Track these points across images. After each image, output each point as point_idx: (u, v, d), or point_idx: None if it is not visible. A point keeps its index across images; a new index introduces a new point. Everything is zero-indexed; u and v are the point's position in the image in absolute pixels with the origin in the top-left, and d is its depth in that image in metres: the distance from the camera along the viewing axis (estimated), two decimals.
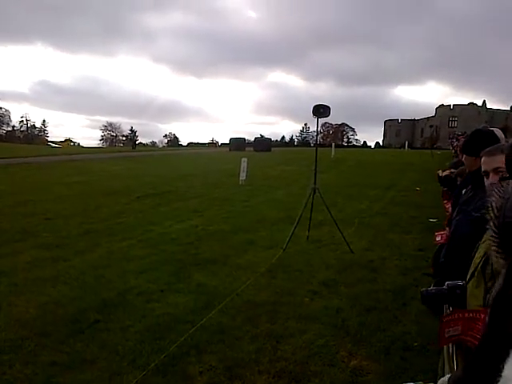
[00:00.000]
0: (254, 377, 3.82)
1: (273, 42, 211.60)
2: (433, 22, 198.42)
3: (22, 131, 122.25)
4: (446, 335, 2.06)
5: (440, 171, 7.43)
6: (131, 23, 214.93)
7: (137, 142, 72.96)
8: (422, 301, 2.52)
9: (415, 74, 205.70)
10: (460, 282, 2.36)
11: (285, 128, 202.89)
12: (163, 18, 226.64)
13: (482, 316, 1.82)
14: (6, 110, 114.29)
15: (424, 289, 2.46)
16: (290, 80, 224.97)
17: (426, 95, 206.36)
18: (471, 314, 2.01)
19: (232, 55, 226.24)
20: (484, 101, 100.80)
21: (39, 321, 4.86)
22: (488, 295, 2.16)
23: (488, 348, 1.08)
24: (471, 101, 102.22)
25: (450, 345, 2.28)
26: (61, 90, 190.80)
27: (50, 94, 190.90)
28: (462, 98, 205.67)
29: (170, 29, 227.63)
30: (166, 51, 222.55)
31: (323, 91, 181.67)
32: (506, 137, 3.61)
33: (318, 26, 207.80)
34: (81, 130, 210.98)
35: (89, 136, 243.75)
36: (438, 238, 4.53)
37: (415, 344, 4.42)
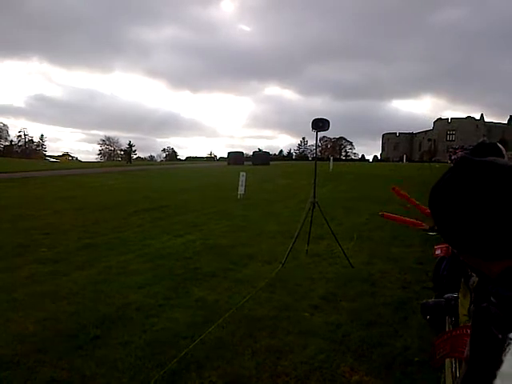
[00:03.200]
0: None
1: (268, 57, 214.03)
2: (428, 36, 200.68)
3: (20, 146, 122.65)
4: (438, 356, 2.09)
5: None
6: (126, 38, 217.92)
7: (134, 157, 73.09)
8: (421, 312, 2.54)
9: (411, 87, 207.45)
10: (455, 294, 2.39)
11: (282, 142, 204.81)
12: (158, 32, 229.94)
13: (469, 331, 1.84)
14: (4, 125, 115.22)
15: (424, 301, 2.50)
16: (286, 94, 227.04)
17: (422, 108, 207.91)
18: (458, 331, 2.04)
19: (227, 69, 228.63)
20: (482, 114, 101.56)
21: (38, 337, 4.82)
22: (471, 305, 2.21)
23: (476, 362, 1.10)
24: (468, 114, 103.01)
25: (453, 360, 2.29)
26: (57, 104, 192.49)
27: (46, 109, 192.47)
28: (459, 113, 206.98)
29: (164, 43, 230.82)
30: (160, 66, 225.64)
31: (320, 105, 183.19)
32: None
33: (313, 40, 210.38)
34: (78, 144, 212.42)
35: (86, 150, 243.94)
36: (437, 252, 4.52)
37: (416, 359, 4.39)
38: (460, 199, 1.08)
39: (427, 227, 4.87)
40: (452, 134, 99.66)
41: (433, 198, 1.17)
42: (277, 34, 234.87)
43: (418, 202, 4.97)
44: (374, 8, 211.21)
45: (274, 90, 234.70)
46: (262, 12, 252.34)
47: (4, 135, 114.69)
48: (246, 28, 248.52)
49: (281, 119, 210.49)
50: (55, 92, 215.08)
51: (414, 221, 5.12)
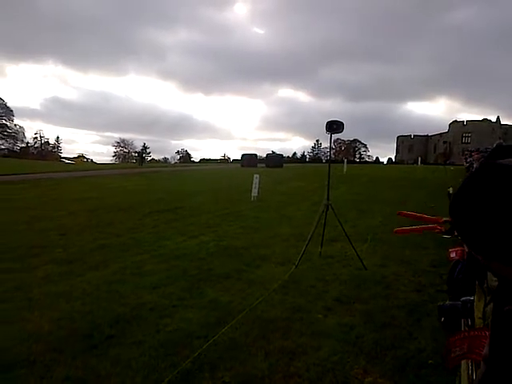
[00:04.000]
0: None
1: (280, 59, 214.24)
2: (441, 37, 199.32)
3: (36, 147, 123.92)
4: (453, 355, 2.06)
5: (451, 189, 7.38)
6: (140, 40, 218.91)
7: (149, 159, 73.35)
8: (438, 314, 2.54)
9: (425, 89, 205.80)
10: (472, 298, 2.39)
11: (295, 144, 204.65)
12: (172, 35, 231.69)
13: (487, 333, 1.83)
14: (21, 127, 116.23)
15: (440, 303, 2.50)
16: (299, 96, 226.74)
17: (437, 111, 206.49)
18: (476, 333, 2.01)
19: (240, 72, 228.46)
20: (498, 117, 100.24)
21: (53, 336, 4.87)
22: (485, 308, 2.20)
23: (497, 362, 1.10)
24: (483, 116, 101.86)
25: (469, 363, 2.27)
26: (72, 106, 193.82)
27: (61, 111, 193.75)
28: (474, 115, 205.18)
29: (178, 46, 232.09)
30: (174, 68, 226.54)
31: (333, 107, 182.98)
32: None
33: (325, 42, 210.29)
34: (92, 146, 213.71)
35: (100, 152, 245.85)
36: (452, 255, 4.49)
37: (430, 361, 4.37)
38: (482, 204, 1.06)
39: (443, 230, 4.85)
40: (468, 137, 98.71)
41: (455, 203, 1.15)
42: (289, 36, 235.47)
43: (425, 216, 4.97)
44: (386, 9, 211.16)
45: (286, 92, 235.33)
46: (274, 15, 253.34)
47: (20, 137, 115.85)
48: (259, 31, 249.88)
49: (294, 121, 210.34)
50: (70, 94, 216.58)
51: (428, 226, 5.10)
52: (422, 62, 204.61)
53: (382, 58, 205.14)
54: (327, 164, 9.10)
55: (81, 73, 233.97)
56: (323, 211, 8.42)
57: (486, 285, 2.21)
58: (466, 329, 2.56)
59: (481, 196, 1.07)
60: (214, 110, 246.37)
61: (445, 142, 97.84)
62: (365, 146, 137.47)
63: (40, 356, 4.38)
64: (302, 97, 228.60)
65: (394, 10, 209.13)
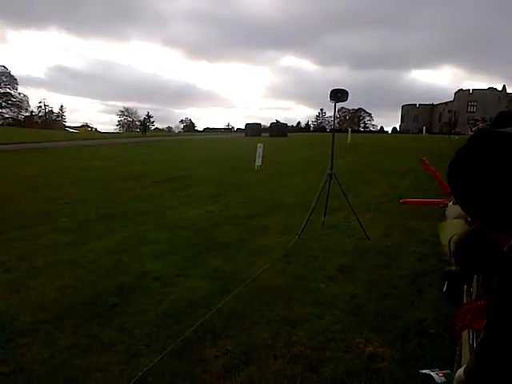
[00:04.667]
0: (270, 361, 3.84)
1: (285, 26, 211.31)
2: (447, 3, 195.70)
3: (40, 116, 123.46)
4: (458, 327, 2.08)
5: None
6: (143, 7, 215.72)
7: (152, 128, 73.09)
8: (442, 278, 2.56)
9: (430, 57, 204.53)
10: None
11: (299, 113, 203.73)
12: (175, 1, 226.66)
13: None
14: (25, 96, 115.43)
15: (447, 268, 2.52)
16: (304, 64, 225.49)
17: (442, 79, 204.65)
18: (479, 303, 2.02)
19: (243, 39, 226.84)
20: (504, 85, 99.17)
21: (57, 304, 4.92)
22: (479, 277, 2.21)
23: (495, 327, 1.09)
24: (489, 85, 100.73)
25: (471, 332, 2.28)
26: (76, 75, 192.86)
27: (65, 79, 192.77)
28: (480, 83, 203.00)
29: (181, 13, 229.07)
30: (177, 35, 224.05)
31: (337, 76, 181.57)
32: None
33: (330, 9, 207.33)
34: (96, 115, 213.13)
35: (104, 121, 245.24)
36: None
37: (432, 331, 4.40)
38: (479, 172, 1.05)
39: (448, 203, 4.82)
40: (473, 106, 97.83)
41: (451, 171, 1.14)
42: (292, 2, 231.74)
43: (443, 180, 4.91)
44: None
45: (291, 60, 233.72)
46: None
47: (24, 106, 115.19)
48: None
49: (298, 90, 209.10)
50: (74, 62, 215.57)
51: (434, 201, 5.07)
52: (427, 29, 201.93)
53: (387, 24, 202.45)
54: (331, 133, 9.04)
55: (84, 40, 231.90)
56: (326, 181, 8.39)
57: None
58: (468, 298, 2.57)
59: (477, 163, 1.07)
60: (217, 79, 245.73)
61: (450, 111, 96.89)
62: (369, 115, 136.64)
63: (44, 324, 4.42)
64: (306, 65, 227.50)
65: None
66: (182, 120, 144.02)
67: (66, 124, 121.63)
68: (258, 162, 18.34)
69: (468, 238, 1.83)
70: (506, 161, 1.03)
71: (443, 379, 1.90)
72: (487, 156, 1.05)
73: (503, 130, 1.10)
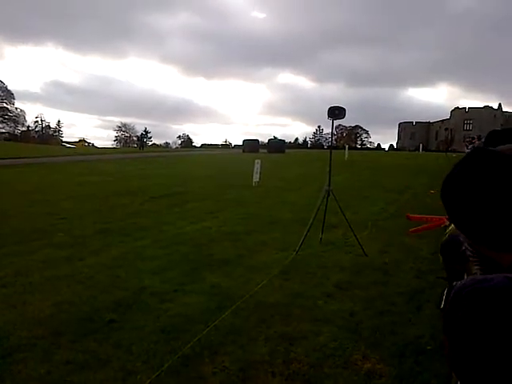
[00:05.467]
0: (268, 378, 3.82)
1: (281, 43, 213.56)
2: (443, 22, 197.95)
3: (37, 131, 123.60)
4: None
5: None
6: (140, 24, 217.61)
7: (150, 143, 73.25)
8: (440, 252, 2.59)
9: (426, 75, 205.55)
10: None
11: (297, 129, 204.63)
12: (171, 19, 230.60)
13: None
14: (22, 111, 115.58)
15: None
16: (300, 81, 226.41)
17: (438, 97, 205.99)
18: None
19: (240, 56, 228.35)
20: (500, 104, 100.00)
21: (54, 320, 4.90)
22: None
23: None
24: (484, 103, 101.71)
25: None
26: (73, 90, 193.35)
27: (62, 95, 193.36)
28: (476, 101, 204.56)
29: (178, 30, 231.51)
30: (174, 52, 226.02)
31: (334, 92, 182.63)
32: None
33: (326, 26, 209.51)
34: (93, 130, 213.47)
35: (101, 136, 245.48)
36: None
37: (429, 347, 4.39)
38: (471, 190, 1.07)
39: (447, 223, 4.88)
40: (469, 124, 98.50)
41: (444, 188, 1.16)
42: (289, 20, 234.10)
43: (434, 217, 5.03)
44: None
45: (287, 77, 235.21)
46: None
47: (21, 121, 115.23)
48: (259, 14, 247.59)
49: (295, 107, 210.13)
50: (71, 78, 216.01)
51: (436, 222, 5.14)
52: (422, 48, 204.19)
53: (382, 42, 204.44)
54: (329, 150, 9.07)
55: (81, 56, 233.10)
56: (324, 197, 8.41)
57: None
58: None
59: (468, 181, 1.08)
60: (214, 95, 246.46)
61: (446, 129, 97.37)
62: (366, 132, 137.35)
63: (41, 340, 4.40)
64: (303, 82, 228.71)
65: None
66: (179, 136, 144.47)
67: (63, 139, 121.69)
68: (256, 178, 18.36)
69: (449, 241, 1.84)
70: (497, 179, 1.05)
71: None
72: (478, 174, 1.07)
73: (496, 148, 1.12)
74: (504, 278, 0.94)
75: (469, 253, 1.36)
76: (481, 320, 0.89)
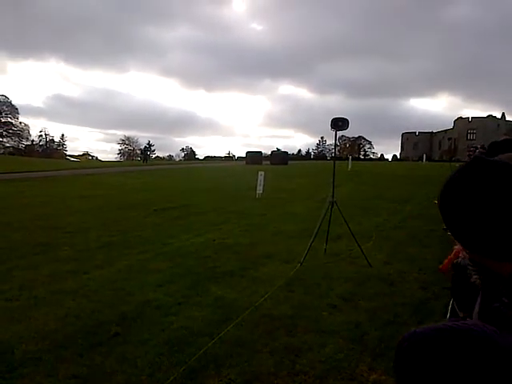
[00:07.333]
0: None
1: (280, 55, 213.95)
2: (442, 32, 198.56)
3: (41, 145, 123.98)
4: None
5: None
6: (141, 38, 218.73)
7: (153, 156, 73.41)
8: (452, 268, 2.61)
9: (427, 85, 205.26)
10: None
11: (299, 141, 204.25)
12: (171, 32, 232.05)
13: None
14: (26, 125, 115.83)
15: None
16: (301, 93, 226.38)
17: (439, 107, 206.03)
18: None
19: (241, 68, 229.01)
20: (503, 113, 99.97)
21: (59, 333, 4.90)
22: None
23: None
24: (487, 112, 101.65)
25: None
26: (75, 104, 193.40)
27: (64, 108, 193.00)
28: (478, 111, 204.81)
29: (178, 43, 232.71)
30: (175, 65, 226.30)
31: (335, 104, 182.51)
32: None
33: (326, 38, 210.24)
34: (96, 143, 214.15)
35: (104, 149, 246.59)
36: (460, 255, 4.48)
37: None
38: (468, 199, 1.07)
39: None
40: (473, 133, 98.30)
41: (442, 197, 1.16)
42: (288, 32, 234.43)
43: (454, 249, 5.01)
44: (387, 4, 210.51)
45: (287, 88, 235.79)
46: (273, 11, 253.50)
47: (25, 135, 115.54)
48: (258, 27, 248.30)
49: (297, 118, 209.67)
50: (73, 92, 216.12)
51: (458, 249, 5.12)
52: (423, 58, 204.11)
53: (383, 53, 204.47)
54: (332, 161, 9.09)
55: (82, 70, 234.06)
56: (328, 208, 8.41)
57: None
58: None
59: (465, 190, 1.08)
60: (216, 107, 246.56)
61: (450, 139, 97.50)
62: (369, 142, 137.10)
63: (46, 353, 4.40)
64: (303, 93, 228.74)
65: (395, 4, 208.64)
66: (182, 148, 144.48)
67: (67, 153, 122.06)
68: (259, 189, 18.36)
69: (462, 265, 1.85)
70: (495, 187, 1.04)
71: None
72: (476, 182, 1.07)
73: (494, 158, 1.12)
74: (448, 325, 0.93)
75: (470, 268, 1.35)
76: (417, 374, 0.89)
